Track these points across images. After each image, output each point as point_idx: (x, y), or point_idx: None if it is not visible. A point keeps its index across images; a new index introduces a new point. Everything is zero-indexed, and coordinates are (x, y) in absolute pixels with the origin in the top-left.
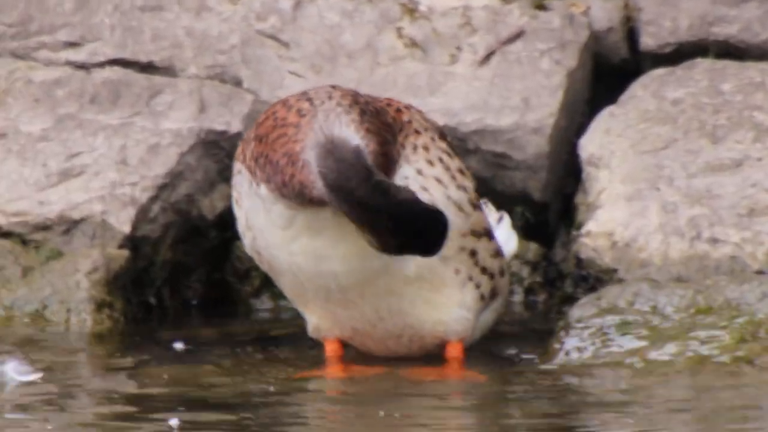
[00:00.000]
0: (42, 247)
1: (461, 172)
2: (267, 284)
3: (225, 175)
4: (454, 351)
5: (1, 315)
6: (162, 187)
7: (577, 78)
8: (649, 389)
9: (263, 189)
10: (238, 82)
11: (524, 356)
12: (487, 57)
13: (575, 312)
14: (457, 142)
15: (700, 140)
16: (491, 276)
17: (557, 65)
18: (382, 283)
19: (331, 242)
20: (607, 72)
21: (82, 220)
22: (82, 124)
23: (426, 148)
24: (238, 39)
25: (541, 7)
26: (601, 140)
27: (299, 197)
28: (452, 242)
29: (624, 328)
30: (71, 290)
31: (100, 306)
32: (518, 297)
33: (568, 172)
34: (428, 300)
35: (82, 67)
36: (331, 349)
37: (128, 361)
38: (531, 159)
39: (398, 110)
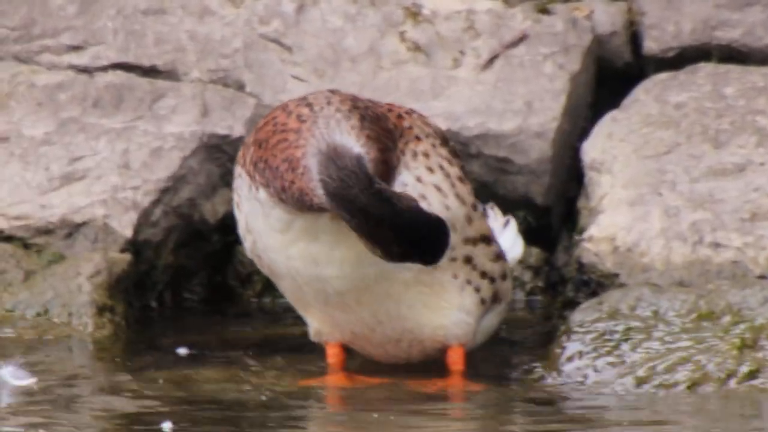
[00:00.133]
0: (44, 250)
1: (461, 180)
2: (269, 288)
3: (227, 179)
4: (455, 356)
5: (3, 319)
6: (164, 191)
7: (580, 82)
8: (651, 396)
9: (262, 193)
10: (240, 86)
11: (525, 361)
12: (491, 61)
13: (577, 316)
14: (460, 147)
15: (702, 145)
16: (492, 280)
17: (560, 69)
18: (379, 288)
19: (328, 247)
20: (610, 76)
21: (84, 224)
22: (85, 127)
23: (426, 155)
24: (241, 43)
25: (544, 11)
26: (604, 145)
27: (298, 203)
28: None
29: (626, 333)
30: (73, 294)
31: (101, 310)
32: (520, 301)
33: (570, 177)
34: (427, 304)
35: (85, 71)
36: (332, 353)
37: (128, 365)
38: (534, 163)
39: (399, 116)
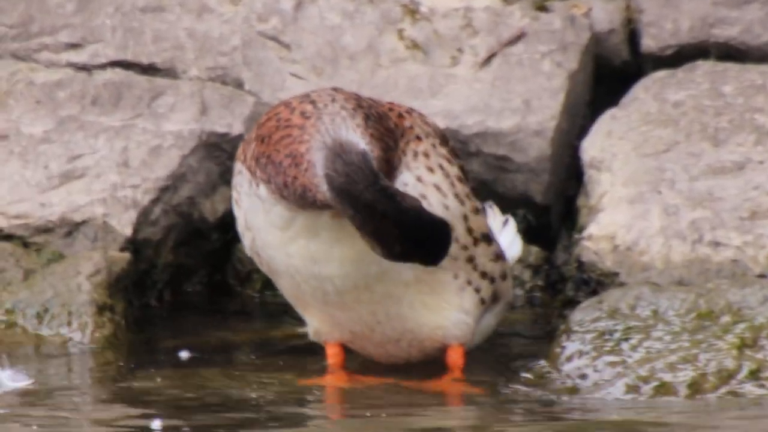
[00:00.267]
0: (43, 249)
1: (460, 179)
2: (268, 287)
3: (226, 178)
4: (454, 355)
5: (2, 318)
6: (163, 190)
7: (579, 80)
8: (651, 397)
9: (263, 189)
10: (239, 84)
11: (525, 360)
12: (489, 59)
13: (576, 315)
14: (459, 145)
15: (701, 143)
16: (492, 280)
17: (558, 67)
18: (379, 287)
19: (328, 245)
20: (609, 74)
21: (83, 223)
22: (84, 126)
23: (426, 155)
24: (240, 40)
25: (542, 8)
26: (603, 143)
27: (300, 200)
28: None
29: (625, 332)
30: (72, 293)
31: (101, 309)
32: (519, 300)
33: (569, 175)
34: (427, 304)
35: (84, 68)
36: (332, 353)
37: (127, 364)
38: (533, 162)
39: (400, 115)
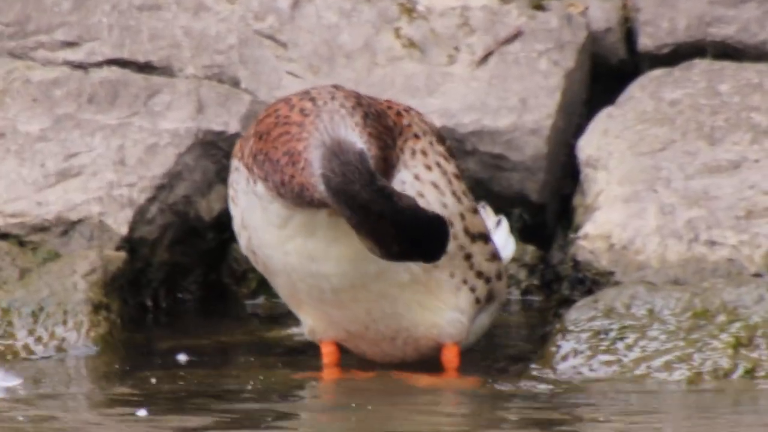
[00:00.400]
0: (39, 248)
1: (458, 177)
2: (263, 286)
3: (223, 176)
4: (449, 354)
5: None
6: (160, 188)
7: (575, 79)
8: (646, 394)
9: (260, 187)
10: (235, 83)
11: (520, 359)
12: (485, 57)
13: (572, 314)
14: (455, 143)
15: (697, 142)
16: (487, 280)
17: (555, 66)
18: (376, 286)
19: (325, 244)
20: (605, 73)
21: (79, 222)
22: (80, 124)
23: (424, 153)
24: (236, 39)
25: (539, 7)
26: (599, 141)
27: (298, 198)
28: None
29: (621, 331)
30: (68, 292)
31: (97, 308)
32: (515, 299)
33: (565, 174)
34: (422, 303)
35: (80, 66)
36: (327, 352)
37: (122, 365)
38: (529, 160)
39: (398, 113)
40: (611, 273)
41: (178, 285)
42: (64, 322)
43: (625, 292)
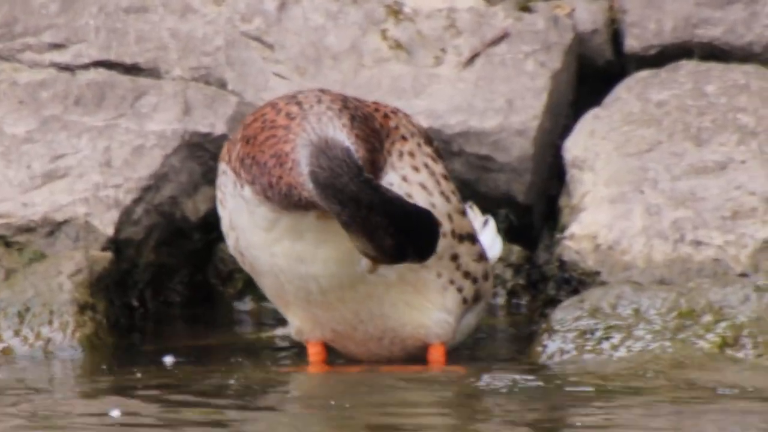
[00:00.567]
0: (25, 249)
1: (445, 177)
2: (250, 286)
3: (209, 177)
4: (435, 354)
5: None
6: (146, 189)
7: (562, 80)
8: (630, 391)
9: (247, 191)
10: (222, 84)
11: (506, 359)
12: (472, 59)
13: (558, 314)
14: (442, 145)
15: (684, 143)
16: (474, 280)
17: (542, 67)
18: (363, 287)
19: (313, 246)
20: (592, 74)
21: (65, 222)
22: (67, 125)
23: (412, 155)
24: (223, 41)
25: (525, 9)
26: (586, 142)
27: (285, 200)
28: None
29: (606, 331)
30: (54, 292)
31: (82, 308)
32: (501, 300)
33: (552, 175)
34: (409, 303)
35: (67, 68)
36: (314, 352)
37: (108, 364)
38: (515, 161)
39: (386, 116)
40: (597, 273)
41: (165, 286)
42: (50, 323)
43: (611, 292)
